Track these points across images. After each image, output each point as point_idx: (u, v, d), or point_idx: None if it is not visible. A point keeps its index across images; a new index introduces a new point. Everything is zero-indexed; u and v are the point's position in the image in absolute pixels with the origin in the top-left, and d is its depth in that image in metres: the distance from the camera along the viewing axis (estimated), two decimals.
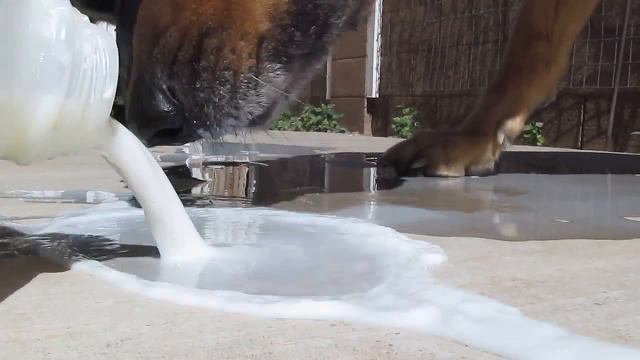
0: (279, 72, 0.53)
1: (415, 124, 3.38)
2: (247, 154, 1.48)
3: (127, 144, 0.36)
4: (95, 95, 0.32)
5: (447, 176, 0.98)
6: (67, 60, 0.29)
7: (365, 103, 3.81)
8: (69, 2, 0.31)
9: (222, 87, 0.50)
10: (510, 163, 1.22)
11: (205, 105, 0.50)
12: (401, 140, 1.15)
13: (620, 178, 1.16)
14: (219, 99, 0.50)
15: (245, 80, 0.51)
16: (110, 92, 0.33)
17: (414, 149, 1.01)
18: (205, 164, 1.24)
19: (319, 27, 0.54)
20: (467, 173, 1.00)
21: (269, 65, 0.52)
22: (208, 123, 0.51)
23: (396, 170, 1.01)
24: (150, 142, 0.54)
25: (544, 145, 2.57)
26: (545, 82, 1.06)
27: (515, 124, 1.06)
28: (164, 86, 0.50)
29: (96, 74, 0.32)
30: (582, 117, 2.51)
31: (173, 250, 0.38)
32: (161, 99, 0.50)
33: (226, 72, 0.50)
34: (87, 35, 0.32)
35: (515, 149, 1.28)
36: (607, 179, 1.14)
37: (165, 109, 0.50)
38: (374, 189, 0.92)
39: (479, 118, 1.07)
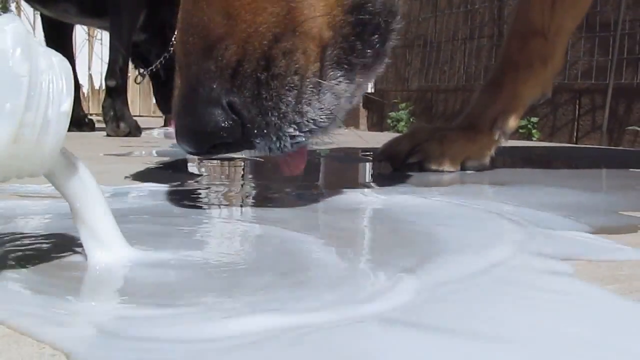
0: (341, 80, 0.52)
1: (411, 119, 3.39)
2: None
3: (74, 170, 0.36)
4: (53, 108, 0.32)
5: (442, 171, 0.98)
6: (24, 70, 0.30)
7: (361, 98, 3.80)
8: (21, 22, 0.31)
9: (289, 93, 0.49)
10: (506, 158, 1.22)
11: (270, 116, 0.49)
12: (397, 135, 1.15)
13: (616, 173, 1.16)
14: (286, 106, 0.49)
15: (311, 86, 0.50)
16: (67, 105, 0.33)
17: (409, 144, 1.01)
18: (201, 159, 1.24)
19: (381, 34, 0.54)
20: (463, 168, 1.00)
21: (332, 72, 0.52)
22: (271, 135, 0.50)
23: (392, 165, 1.01)
24: (205, 155, 0.53)
25: (539, 140, 2.58)
26: (542, 78, 1.07)
27: (510, 120, 1.06)
28: (224, 101, 0.49)
29: (53, 87, 0.32)
30: (577, 112, 2.52)
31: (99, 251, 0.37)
32: (220, 114, 0.49)
33: (295, 76, 0.49)
34: (42, 52, 0.32)
35: (510, 144, 1.28)
36: (602, 174, 1.14)
37: (225, 125, 0.49)
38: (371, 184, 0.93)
39: (475, 113, 1.08)
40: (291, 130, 0.51)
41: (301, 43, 0.50)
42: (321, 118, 0.52)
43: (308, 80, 0.50)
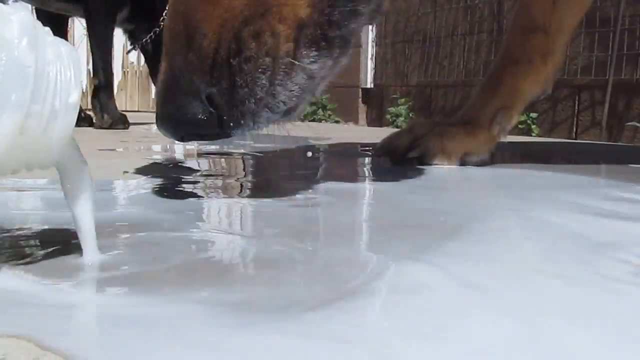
0: (314, 59, 0.52)
1: (410, 114, 3.38)
2: (242, 144, 1.48)
3: (81, 165, 0.35)
4: (60, 99, 0.31)
5: (442, 166, 0.97)
6: (30, 61, 0.29)
7: (360, 93, 3.80)
8: (30, 11, 0.30)
9: (262, 76, 0.50)
10: (505, 153, 1.22)
11: (244, 104, 0.50)
12: (396, 130, 1.14)
13: (615, 168, 1.16)
14: (259, 91, 0.50)
15: (284, 66, 0.50)
16: (75, 96, 0.32)
17: (409, 138, 1.01)
18: (200, 154, 1.24)
19: (347, 15, 0.54)
20: (463, 163, 1.00)
21: (306, 51, 0.52)
22: (244, 122, 0.51)
23: (391, 160, 1.01)
24: (181, 140, 0.54)
25: (538, 135, 2.57)
26: (542, 75, 1.06)
27: (510, 116, 1.06)
28: (202, 93, 0.50)
29: (61, 77, 0.31)
30: (576, 108, 2.52)
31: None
32: (198, 106, 0.50)
33: (268, 57, 0.50)
34: (49, 42, 0.31)
35: (510, 139, 1.28)
36: (601, 169, 1.14)
37: (203, 116, 0.50)
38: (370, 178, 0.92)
39: (475, 109, 1.07)
40: (265, 113, 0.51)
41: (268, 25, 0.50)
42: (292, 100, 0.52)
43: (281, 61, 0.50)
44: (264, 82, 0.50)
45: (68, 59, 0.32)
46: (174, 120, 0.52)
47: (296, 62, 0.51)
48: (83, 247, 0.36)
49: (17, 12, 0.29)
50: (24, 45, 0.29)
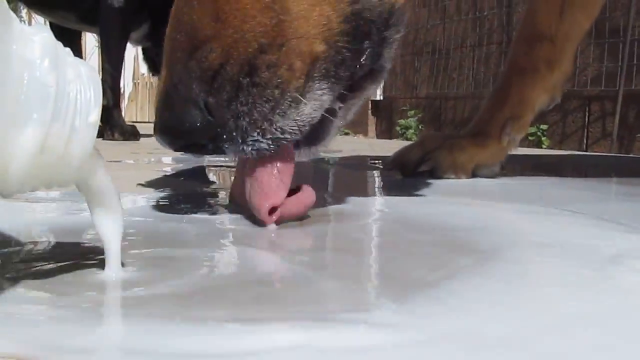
0: (325, 94, 0.52)
1: (419, 126, 3.38)
2: None
3: (105, 181, 0.36)
4: (80, 118, 0.32)
5: (453, 179, 0.97)
6: (51, 80, 0.30)
7: (370, 105, 3.81)
8: (51, 31, 0.31)
9: (266, 104, 0.50)
10: (516, 166, 1.21)
11: (242, 121, 0.50)
12: (406, 142, 1.14)
13: (627, 180, 1.15)
14: (259, 115, 0.50)
15: (290, 99, 0.50)
16: (95, 116, 0.32)
17: (420, 152, 1.01)
18: (209, 166, 1.24)
19: (375, 48, 0.54)
20: (474, 175, 1.00)
21: (318, 84, 0.51)
22: (241, 138, 0.50)
23: (402, 173, 1.01)
24: (177, 150, 0.54)
25: (548, 147, 2.57)
26: (549, 83, 1.06)
27: (520, 126, 1.06)
28: (201, 102, 0.50)
29: (80, 97, 0.32)
30: (587, 119, 2.51)
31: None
32: (196, 115, 0.50)
33: (275, 90, 0.50)
34: (70, 62, 0.32)
35: (520, 152, 1.27)
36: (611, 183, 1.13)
37: (198, 125, 0.50)
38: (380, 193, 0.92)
39: (484, 120, 1.07)
40: (256, 134, 0.51)
41: (286, 58, 0.50)
42: (296, 130, 0.51)
43: (289, 94, 0.50)
44: (266, 109, 0.50)
45: (88, 79, 0.32)
46: (171, 128, 0.52)
47: (302, 99, 0.51)
48: (107, 262, 0.37)
49: (39, 33, 0.30)
50: (46, 66, 0.29)
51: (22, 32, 0.29)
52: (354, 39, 0.53)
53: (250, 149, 0.51)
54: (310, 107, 0.52)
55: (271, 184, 0.54)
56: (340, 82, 0.53)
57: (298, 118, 0.51)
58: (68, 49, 0.32)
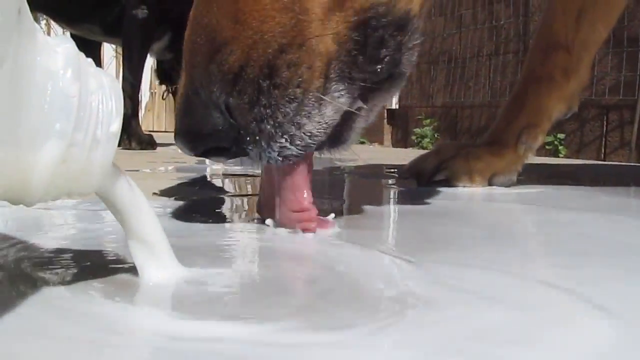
0: (344, 92, 0.52)
1: (435, 135, 3.37)
2: None
3: (126, 187, 0.37)
4: (102, 128, 0.32)
5: (469, 188, 0.97)
6: (74, 91, 0.30)
7: (386, 114, 3.81)
8: (74, 43, 0.32)
9: (289, 105, 0.49)
10: (532, 175, 1.21)
11: (265, 124, 0.50)
12: (421, 151, 1.14)
13: None
14: (283, 117, 0.50)
15: (313, 99, 0.50)
16: (116, 126, 0.33)
17: (436, 161, 1.01)
18: (225, 175, 1.25)
19: (391, 50, 0.54)
20: (490, 184, 1.00)
21: (335, 85, 0.51)
22: (265, 143, 0.50)
23: (418, 182, 1.01)
24: (199, 156, 0.54)
25: (566, 156, 2.55)
26: (565, 92, 1.06)
27: (536, 134, 1.05)
28: (222, 105, 0.50)
29: (102, 107, 0.32)
30: (605, 128, 2.49)
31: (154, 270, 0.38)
32: (217, 118, 0.50)
33: (297, 89, 0.50)
34: (92, 72, 0.32)
35: (537, 161, 1.27)
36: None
37: (221, 128, 0.50)
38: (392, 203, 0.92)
39: (501, 128, 1.07)
40: (283, 141, 0.50)
41: (306, 57, 0.50)
42: (319, 132, 0.51)
43: (310, 94, 0.50)
44: (289, 110, 0.50)
45: (110, 90, 0.33)
46: (193, 132, 0.52)
47: (325, 97, 0.50)
48: (165, 265, 0.37)
49: (62, 44, 0.31)
50: (68, 77, 0.30)
51: (45, 43, 0.30)
52: (367, 44, 0.53)
53: (275, 152, 0.51)
54: (331, 108, 0.52)
55: (301, 190, 0.54)
56: (356, 84, 0.53)
57: (321, 119, 0.51)
58: (90, 60, 0.33)
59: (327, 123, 0.52)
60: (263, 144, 0.50)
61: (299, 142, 0.51)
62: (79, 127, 0.30)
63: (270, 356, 0.27)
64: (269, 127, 0.50)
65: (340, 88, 0.52)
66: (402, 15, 0.55)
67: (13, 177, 0.29)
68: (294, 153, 0.51)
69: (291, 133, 0.50)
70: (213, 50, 0.50)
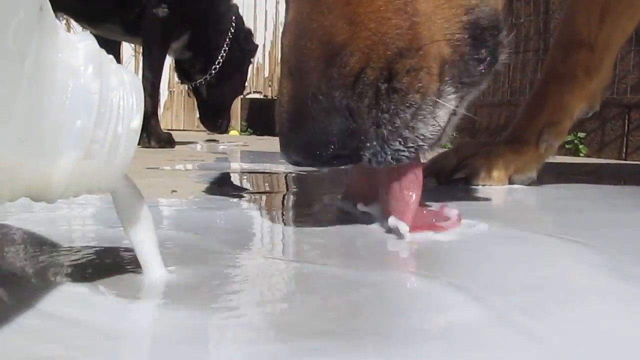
0: (454, 97, 0.52)
1: (454, 134, 3.35)
2: (285, 163, 1.49)
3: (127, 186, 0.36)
4: (122, 125, 0.32)
5: (490, 186, 0.96)
6: (95, 88, 0.30)
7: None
8: (95, 39, 0.32)
9: (408, 110, 0.49)
10: (552, 174, 1.20)
11: (385, 129, 0.49)
12: (441, 150, 1.14)
13: None
14: (401, 121, 0.49)
15: (430, 104, 0.50)
16: (137, 122, 0.33)
17: (455, 159, 1.00)
18: (243, 172, 1.25)
19: (490, 49, 0.54)
20: (510, 182, 0.99)
21: (449, 88, 0.51)
22: (383, 147, 0.49)
23: (437, 181, 1.00)
24: (320, 167, 0.52)
25: (586, 156, 2.52)
26: (587, 90, 1.04)
27: (557, 132, 1.04)
28: (346, 110, 0.48)
29: (123, 104, 0.32)
30: (626, 127, 2.46)
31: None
32: (343, 124, 0.48)
33: (417, 95, 0.49)
34: (113, 69, 0.32)
35: (557, 160, 1.25)
36: None
37: (346, 134, 0.48)
38: None
39: (521, 126, 1.06)
40: (400, 145, 0.50)
41: (425, 62, 0.49)
42: (432, 135, 0.51)
43: (428, 99, 0.49)
44: (407, 115, 0.49)
45: (130, 86, 0.33)
46: (316, 142, 0.49)
47: (440, 101, 0.50)
48: (148, 267, 0.37)
49: (83, 41, 0.31)
50: (90, 73, 0.30)
51: (67, 40, 0.30)
52: (475, 44, 0.52)
53: (389, 156, 0.50)
54: (444, 112, 0.51)
55: (410, 192, 0.54)
56: (465, 86, 0.53)
57: (434, 122, 0.50)
58: (111, 56, 0.33)
59: (439, 126, 0.51)
60: (379, 148, 0.49)
61: (411, 145, 0.50)
62: (99, 124, 0.30)
63: None
64: (386, 131, 0.49)
65: (452, 90, 0.51)
66: (495, 13, 0.54)
67: (34, 174, 0.29)
68: (406, 156, 0.50)
69: (406, 136, 0.50)
70: (330, 53, 0.48)
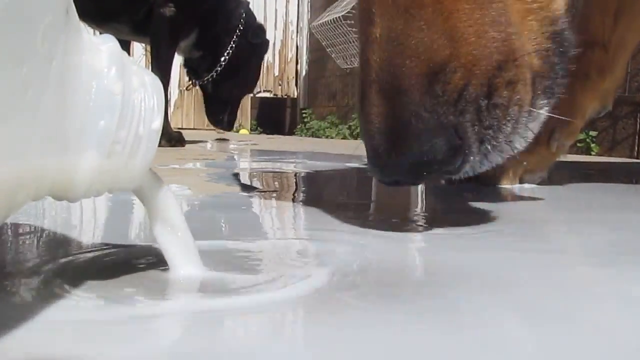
0: (545, 106, 0.52)
1: None
2: (294, 162, 1.49)
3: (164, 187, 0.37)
4: (144, 125, 0.33)
5: (501, 185, 0.96)
6: (118, 89, 0.31)
7: None
8: (117, 41, 0.32)
9: (508, 124, 0.49)
10: (564, 173, 1.19)
11: (489, 145, 0.49)
12: None
13: None
14: (503, 136, 0.49)
15: (526, 116, 0.50)
16: (158, 123, 0.34)
17: None
18: (253, 171, 1.26)
19: (566, 57, 0.54)
20: (521, 182, 0.99)
21: (541, 100, 0.51)
22: (482, 161, 0.50)
23: (446, 180, 1.00)
24: (422, 182, 0.53)
25: (598, 154, 2.51)
26: (600, 90, 1.04)
27: (569, 132, 1.04)
28: (452, 128, 0.47)
29: (144, 105, 0.33)
30: (638, 126, 2.44)
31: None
32: (448, 142, 0.47)
33: (516, 107, 0.49)
34: (134, 71, 0.33)
35: (569, 159, 1.25)
36: None
37: (450, 152, 0.48)
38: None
39: None
40: (499, 158, 0.50)
41: (522, 74, 0.49)
42: (523, 145, 0.52)
43: (524, 111, 0.50)
44: (508, 129, 0.49)
45: (151, 87, 0.33)
46: (422, 161, 0.48)
47: (535, 111, 0.50)
48: (184, 262, 0.37)
49: (106, 43, 0.31)
50: (112, 75, 0.31)
51: (90, 42, 0.30)
52: (560, 54, 0.53)
53: (483, 169, 0.51)
54: (536, 122, 0.52)
55: None
56: (554, 96, 0.53)
57: (527, 134, 0.51)
58: (132, 58, 0.33)
59: (530, 136, 0.52)
60: (479, 162, 0.50)
61: (507, 156, 0.51)
62: (122, 125, 0.31)
63: None
64: (490, 146, 0.49)
65: (544, 101, 0.52)
66: (570, 23, 0.55)
67: (58, 173, 0.30)
68: (495, 165, 0.51)
69: (504, 149, 0.50)
70: (433, 70, 0.47)
